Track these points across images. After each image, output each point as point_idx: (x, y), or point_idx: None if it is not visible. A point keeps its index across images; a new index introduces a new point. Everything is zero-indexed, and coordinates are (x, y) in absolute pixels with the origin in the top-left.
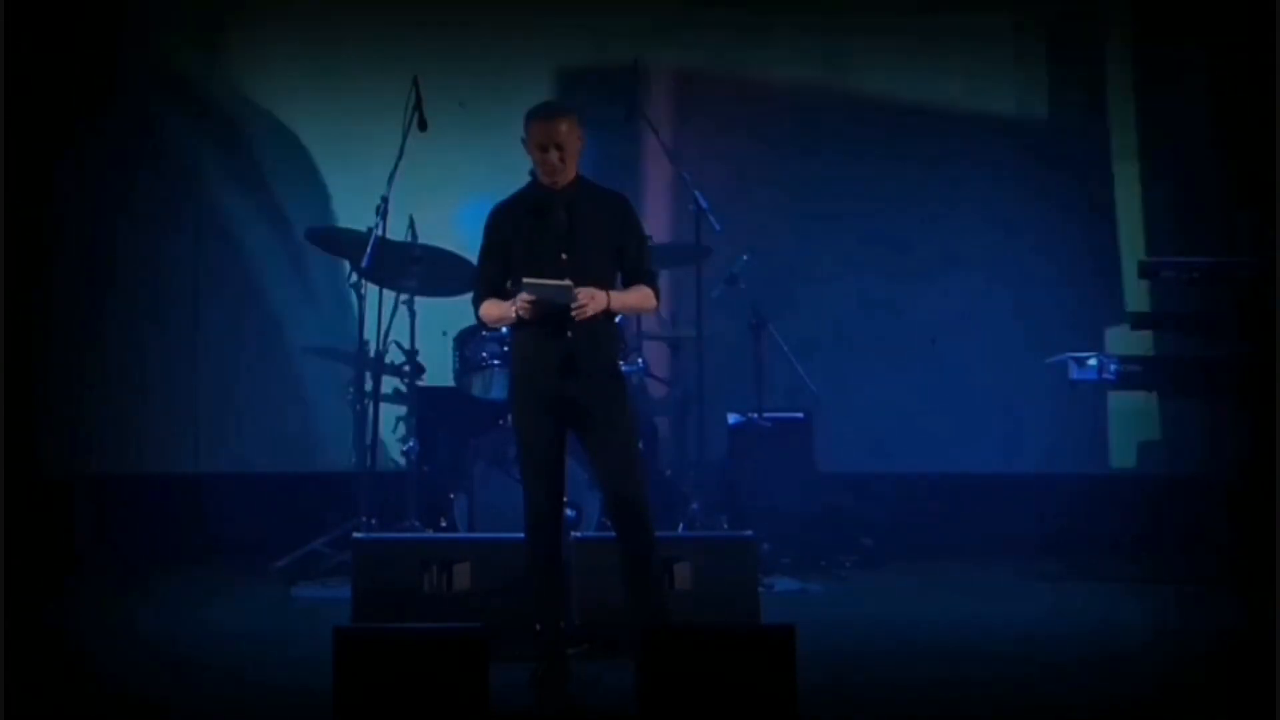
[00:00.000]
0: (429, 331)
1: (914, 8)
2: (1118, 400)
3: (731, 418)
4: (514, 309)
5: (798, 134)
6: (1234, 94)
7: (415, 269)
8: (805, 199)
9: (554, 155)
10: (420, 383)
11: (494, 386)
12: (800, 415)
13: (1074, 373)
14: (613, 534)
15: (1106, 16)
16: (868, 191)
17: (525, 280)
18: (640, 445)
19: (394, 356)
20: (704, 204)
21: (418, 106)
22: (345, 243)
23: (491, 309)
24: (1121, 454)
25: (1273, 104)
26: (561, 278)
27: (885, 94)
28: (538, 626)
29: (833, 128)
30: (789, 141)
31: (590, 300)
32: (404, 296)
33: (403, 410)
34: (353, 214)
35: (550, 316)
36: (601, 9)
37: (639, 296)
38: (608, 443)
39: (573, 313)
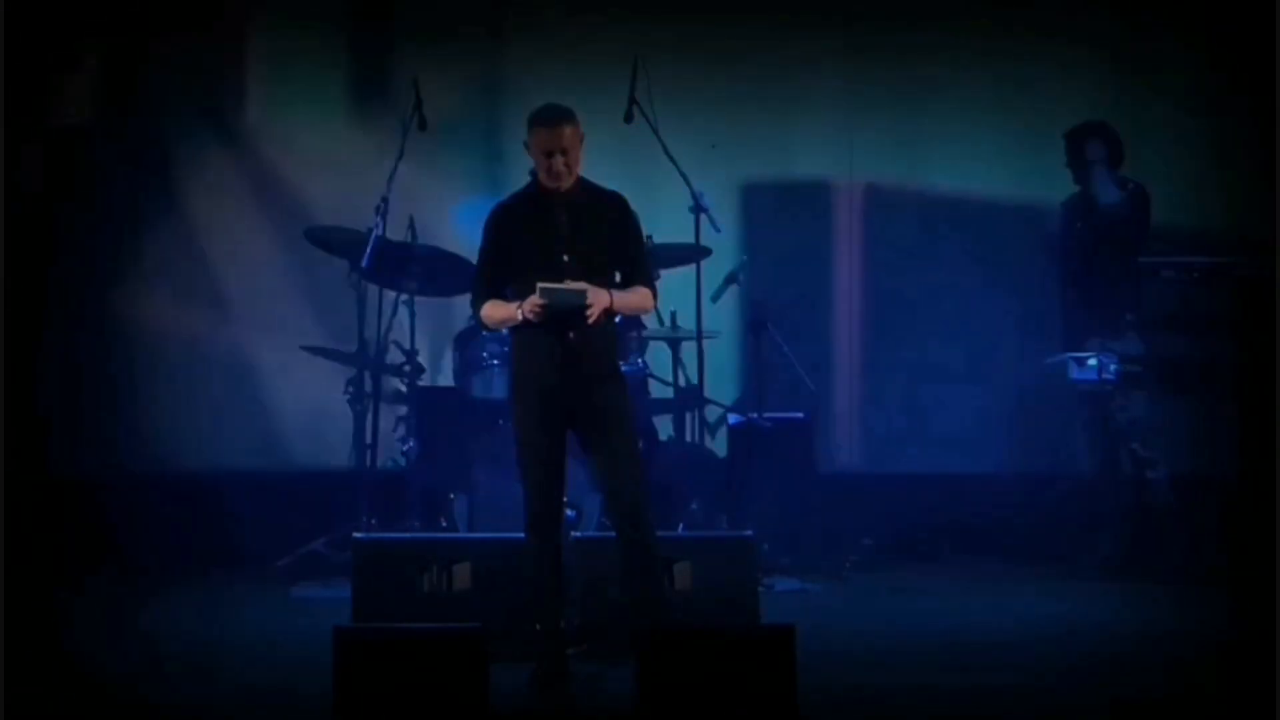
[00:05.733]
0: (429, 331)
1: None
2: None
3: (731, 418)
4: (519, 311)
5: (800, 131)
6: (1231, 94)
7: (415, 269)
8: (806, 197)
9: (559, 161)
10: (420, 383)
11: (494, 386)
12: (800, 415)
13: (1074, 373)
14: (613, 534)
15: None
16: (870, 190)
17: (541, 285)
18: (640, 445)
19: (394, 356)
20: (704, 204)
21: (417, 107)
22: (345, 243)
23: (495, 310)
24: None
25: (1273, 103)
26: (563, 278)
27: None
28: (538, 626)
29: (835, 124)
30: (791, 139)
31: (598, 301)
32: (404, 296)
33: (403, 410)
34: (353, 214)
35: (552, 317)
36: (602, 11)
37: (639, 297)
38: (607, 442)
39: (586, 312)
